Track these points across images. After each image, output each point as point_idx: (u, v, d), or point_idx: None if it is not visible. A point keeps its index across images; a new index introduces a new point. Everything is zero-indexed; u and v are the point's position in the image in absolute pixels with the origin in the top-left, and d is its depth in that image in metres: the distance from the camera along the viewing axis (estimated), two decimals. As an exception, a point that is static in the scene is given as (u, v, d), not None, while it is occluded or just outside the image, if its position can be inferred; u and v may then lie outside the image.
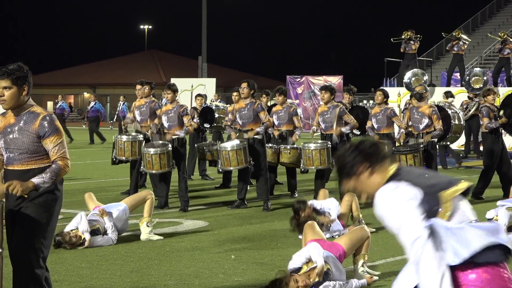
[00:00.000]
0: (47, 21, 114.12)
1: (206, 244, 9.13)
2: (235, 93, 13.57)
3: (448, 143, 15.19)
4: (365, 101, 18.17)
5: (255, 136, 11.92)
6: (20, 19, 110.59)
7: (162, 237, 9.43)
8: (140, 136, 12.76)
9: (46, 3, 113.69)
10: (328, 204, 9.73)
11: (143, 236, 9.34)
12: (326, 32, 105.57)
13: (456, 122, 14.05)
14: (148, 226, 9.36)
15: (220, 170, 12.49)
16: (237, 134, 12.20)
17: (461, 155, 22.20)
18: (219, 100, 23.71)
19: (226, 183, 14.89)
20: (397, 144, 13.31)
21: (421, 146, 11.93)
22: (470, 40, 28.65)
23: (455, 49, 25.23)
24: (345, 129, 12.45)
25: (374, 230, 9.92)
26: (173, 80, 36.76)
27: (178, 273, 7.56)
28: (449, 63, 26.73)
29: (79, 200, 12.85)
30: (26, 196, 5.15)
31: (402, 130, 12.54)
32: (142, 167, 11.98)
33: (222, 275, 7.51)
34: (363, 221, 9.86)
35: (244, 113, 12.01)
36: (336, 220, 9.64)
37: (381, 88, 14.97)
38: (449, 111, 14.21)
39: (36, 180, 5.14)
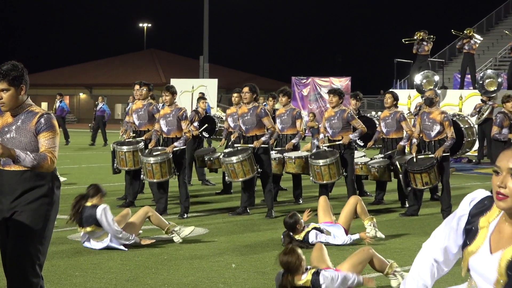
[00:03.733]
0: (41, 18, 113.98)
1: (205, 252, 8.93)
2: (235, 94, 13.28)
3: (458, 152, 14.90)
4: (373, 112, 17.81)
5: (262, 145, 11.61)
6: (14, 17, 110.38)
7: (193, 227, 9.52)
8: (141, 144, 12.44)
9: (41, 1, 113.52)
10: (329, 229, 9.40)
11: (177, 239, 9.30)
12: (333, 32, 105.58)
13: (469, 139, 13.73)
14: (174, 231, 9.29)
15: (228, 182, 12.24)
16: (234, 138, 11.92)
17: (474, 160, 21.94)
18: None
19: (227, 189, 14.62)
20: (406, 149, 12.98)
21: (434, 161, 11.56)
22: (481, 39, 28.31)
23: (466, 47, 24.94)
24: (353, 136, 12.12)
25: (384, 236, 9.72)
26: (173, 81, 36.47)
27: (176, 283, 7.38)
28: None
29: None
30: (4, 158, 4.93)
31: (414, 140, 12.11)
32: (142, 176, 11.69)
33: (222, 285, 7.33)
34: (375, 225, 9.72)
35: (247, 118, 11.73)
36: (337, 227, 9.36)
37: (390, 90, 14.61)
38: (462, 126, 13.89)
39: (19, 152, 4.91)
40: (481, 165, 21.32)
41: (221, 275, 7.71)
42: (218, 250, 9.00)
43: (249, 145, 11.68)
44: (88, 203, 8.90)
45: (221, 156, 12.41)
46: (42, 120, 5.12)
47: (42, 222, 5.10)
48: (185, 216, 11.50)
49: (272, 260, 8.46)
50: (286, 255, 6.51)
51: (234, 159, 11.55)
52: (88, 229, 8.87)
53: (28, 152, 4.96)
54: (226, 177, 12.02)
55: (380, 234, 9.65)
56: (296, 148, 13.22)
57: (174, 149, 11.57)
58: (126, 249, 8.91)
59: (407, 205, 12.48)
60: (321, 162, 11.81)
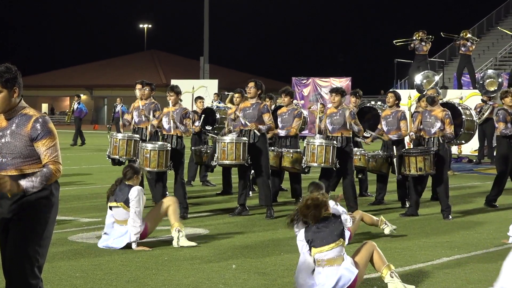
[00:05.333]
0: (41, 19, 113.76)
1: (206, 253, 8.91)
2: (236, 95, 13.25)
3: (463, 141, 14.83)
4: (373, 102, 17.60)
5: (256, 131, 11.56)
6: (14, 18, 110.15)
7: (195, 243, 9.28)
8: (137, 136, 12.46)
9: (41, 1, 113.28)
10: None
11: (174, 243, 9.23)
12: (333, 33, 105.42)
13: (468, 118, 13.69)
14: (178, 231, 9.24)
15: (215, 163, 12.08)
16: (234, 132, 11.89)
17: (474, 160, 21.91)
18: (219, 101, 23.39)
19: (228, 190, 14.60)
20: (407, 147, 12.96)
21: (432, 150, 11.59)
22: (477, 40, 28.27)
23: (463, 49, 24.94)
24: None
25: (395, 227, 10.01)
26: (173, 82, 36.42)
27: (177, 283, 7.36)
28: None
29: (73, 206, 12.65)
30: (9, 195, 4.97)
31: (412, 134, 12.14)
32: (137, 163, 11.65)
33: (222, 286, 7.31)
34: (386, 222, 9.88)
35: (249, 112, 11.73)
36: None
37: (393, 90, 14.57)
38: (460, 108, 13.89)
39: (25, 183, 4.93)
40: (481, 165, 21.31)
41: (221, 275, 7.69)
42: (219, 251, 8.97)
43: (247, 128, 11.65)
44: (127, 182, 9.21)
45: (216, 137, 12.40)
46: (38, 125, 5.05)
47: (42, 224, 5.09)
48: (186, 216, 11.46)
49: (273, 260, 8.48)
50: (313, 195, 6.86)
51: (227, 138, 11.56)
52: (118, 204, 9.07)
53: (33, 178, 4.95)
54: (214, 159, 11.85)
55: (391, 231, 9.84)
56: (288, 144, 13.12)
57: (176, 128, 11.57)
58: (120, 246, 8.93)
59: (407, 205, 12.49)
60: (317, 142, 11.78)
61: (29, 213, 5.05)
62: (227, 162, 11.64)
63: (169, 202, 9.43)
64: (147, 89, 12.84)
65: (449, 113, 11.96)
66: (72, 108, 31.40)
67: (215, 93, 25.82)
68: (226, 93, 19.48)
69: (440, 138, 11.66)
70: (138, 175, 9.30)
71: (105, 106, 70.06)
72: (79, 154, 25.77)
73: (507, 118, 12.56)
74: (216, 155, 11.77)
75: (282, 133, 13.03)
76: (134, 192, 9.04)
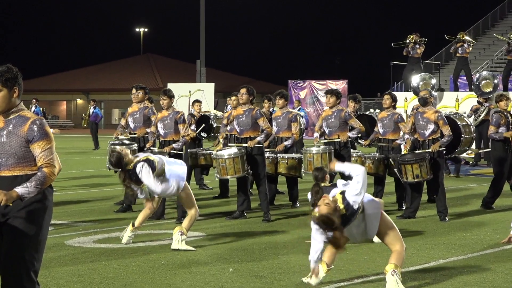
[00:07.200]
0: (38, 23, 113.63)
1: (202, 256, 8.90)
2: (233, 98, 13.25)
3: (456, 155, 14.86)
4: (372, 110, 17.59)
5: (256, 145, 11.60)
6: (10, 22, 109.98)
7: (193, 249, 9.23)
8: (135, 145, 12.40)
9: (37, 4, 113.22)
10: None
11: (173, 245, 9.21)
12: (330, 35, 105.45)
13: (467, 136, 13.68)
14: (181, 235, 9.22)
15: (216, 178, 12.14)
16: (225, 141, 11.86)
17: (471, 162, 21.94)
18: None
19: (225, 193, 14.60)
20: (403, 151, 12.94)
21: (428, 155, 11.58)
22: (474, 42, 28.31)
23: (460, 51, 24.97)
24: (351, 134, 12.18)
25: None
26: (170, 85, 36.38)
27: (174, 287, 7.35)
28: (457, 67, 26.39)
29: (70, 210, 12.63)
30: (10, 204, 4.94)
31: (407, 136, 12.17)
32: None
33: (219, 289, 7.31)
34: None
35: (242, 120, 11.72)
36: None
37: (389, 91, 14.57)
38: (460, 123, 13.86)
39: (20, 189, 4.93)
40: (478, 167, 21.33)
41: (218, 279, 7.68)
42: (215, 254, 8.97)
43: (243, 145, 11.68)
44: (129, 167, 9.04)
45: (213, 152, 12.41)
46: (35, 127, 5.05)
47: (36, 227, 5.07)
48: (183, 220, 11.44)
49: (270, 263, 8.46)
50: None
51: (225, 154, 11.55)
52: (143, 187, 9.08)
53: (27, 184, 4.95)
54: (216, 174, 11.93)
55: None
56: (288, 150, 13.14)
57: (172, 150, 11.55)
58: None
59: (404, 207, 12.49)
60: (314, 150, 11.84)
61: (23, 218, 5.03)
62: (228, 177, 11.68)
63: (195, 213, 9.45)
64: (141, 93, 12.85)
65: (442, 113, 11.96)
66: (88, 113, 31.67)
67: (228, 97, 25.59)
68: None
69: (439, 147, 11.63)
70: (122, 154, 9.08)
71: (101, 110, 69.93)
72: (76, 158, 25.75)
73: (500, 122, 12.58)
74: (216, 169, 11.80)
75: (289, 143, 13.02)
76: (138, 170, 8.96)
